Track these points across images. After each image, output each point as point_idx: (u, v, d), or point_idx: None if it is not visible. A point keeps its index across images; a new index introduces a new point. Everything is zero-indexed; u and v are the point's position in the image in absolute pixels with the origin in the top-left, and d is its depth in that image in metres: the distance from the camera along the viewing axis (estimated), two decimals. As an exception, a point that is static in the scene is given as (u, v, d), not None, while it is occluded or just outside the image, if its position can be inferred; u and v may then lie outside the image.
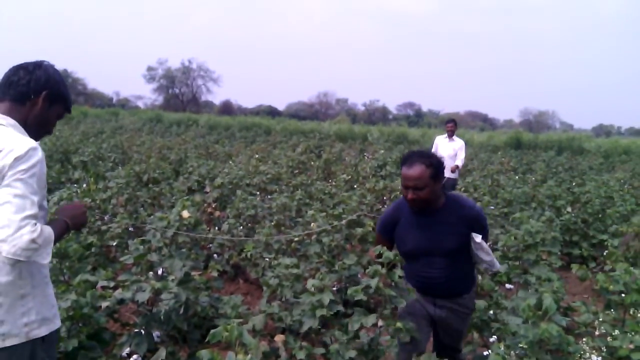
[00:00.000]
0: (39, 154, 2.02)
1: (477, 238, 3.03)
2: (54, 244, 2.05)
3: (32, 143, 2.02)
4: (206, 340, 2.39)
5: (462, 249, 3.10)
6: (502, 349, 3.08)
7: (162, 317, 3.59)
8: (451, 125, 9.28)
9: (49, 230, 2.00)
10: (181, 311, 3.68)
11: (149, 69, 67.38)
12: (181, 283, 3.67)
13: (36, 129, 2.19)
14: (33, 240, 1.88)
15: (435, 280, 3.15)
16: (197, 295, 3.63)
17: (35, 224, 1.92)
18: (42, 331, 2.11)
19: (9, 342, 2.02)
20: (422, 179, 2.95)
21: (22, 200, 1.91)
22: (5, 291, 1.99)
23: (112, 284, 3.60)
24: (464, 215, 3.09)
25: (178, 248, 3.91)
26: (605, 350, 3.27)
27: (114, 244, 5.58)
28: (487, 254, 3.10)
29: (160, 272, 4.28)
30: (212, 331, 2.24)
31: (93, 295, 3.27)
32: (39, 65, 2.18)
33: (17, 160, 1.93)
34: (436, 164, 3.03)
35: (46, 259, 2.00)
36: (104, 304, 3.37)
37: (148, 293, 3.39)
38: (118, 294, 3.42)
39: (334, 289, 4.96)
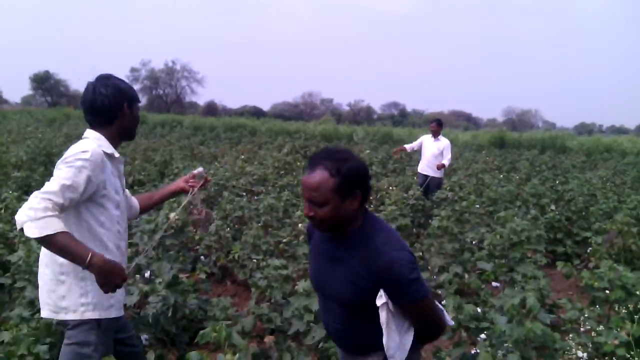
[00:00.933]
0: (87, 155, 2.30)
1: (380, 300, 1.99)
2: (62, 253, 2.19)
3: (85, 147, 2.33)
4: (195, 341, 2.39)
5: (365, 304, 2.04)
6: (489, 348, 3.12)
7: (150, 320, 3.57)
8: (434, 125, 9.28)
9: (59, 224, 2.13)
10: (169, 314, 3.67)
11: (132, 70, 66.79)
12: (169, 286, 3.65)
13: (128, 134, 2.59)
14: (31, 207, 2.10)
15: (330, 330, 2.29)
16: (186, 297, 3.62)
17: (49, 200, 2.14)
18: (96, 314, 2.40)
19: (68, 317, 2.39)
20: (321, 190, 1.97)
21: (52, 181, 2.21)
22: (68, 271, 2.35)
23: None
24: (368, 261, 1.99)
25: (166, 250, 3.90)
26: (590, 346, 3.31)
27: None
28: (387, 332, 2.02)
29: (147, 275, 4.26)
30: (201, 332, 2.25)
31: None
32: (106, 85, 2.48)
33: (59, 161, 2.30)
34: (346, 173, 1.97)
35: (29, 232, 2.08)
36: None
37: (136, 296, 3.38)
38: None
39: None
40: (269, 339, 3.15)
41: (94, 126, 2.49)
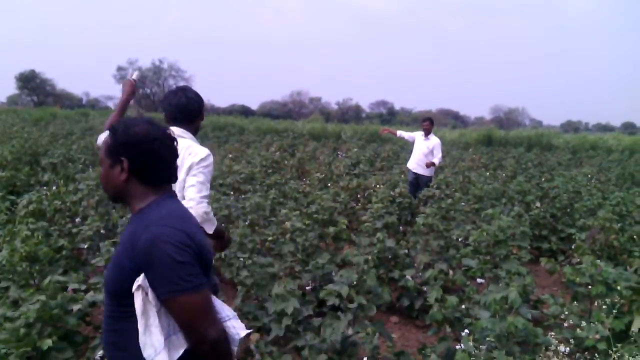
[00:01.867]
0: (212, 158, 3.06)
1: (136, 284, 1.66)
2: (219, 236, 3.12)
3: (208, 150, 3.04)
4: None
5: (129, 295, 1.69)
6: (472, 343, 3.15)
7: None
8: (427, 124, 9.30)
9: (213, 216, 2.99)
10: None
11: (119, 68, 66.20)
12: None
13: (198, 130, 3.25)
14: (205, 212, 2.90)
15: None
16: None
17: (208, 203, 2.95)
18: None
19: None
20: (101, 150, 1.86)
21: (202, 185, 2.94)
22: None
23: (83, 287, 3.55)
24: (134, 236, 1.71)
25: None
26: (572, 341, 3.36)
27: (85, 246, 5.50)
28: (144, 325, 1.67)
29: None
30: None
31: (64, 297, 3.22)
32: (192, 92, 3.19)
33: (201, 160, 2.99)
34: (118, 136, 1.79)
35: (210, 230, 2.96)
36: (76, 307, 3.33)
37: None
38: (90, 296, 3.39)
39: (308, 287, 4.99)
40: (254, 337, 3.16)
41: (179, 124, 3.14)
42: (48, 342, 3.01)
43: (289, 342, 3.59)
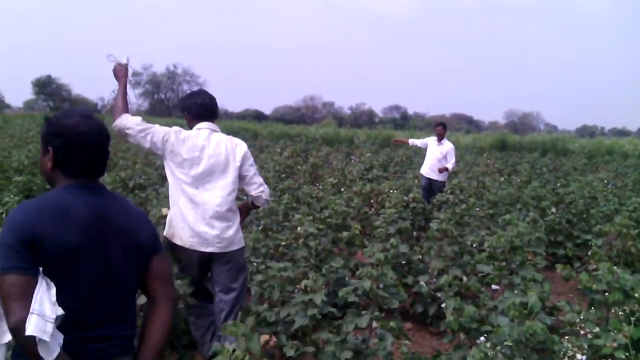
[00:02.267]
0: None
1: None
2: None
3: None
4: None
5: None
6: (490, 349, 3.12)
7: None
8: (440, 128, 9.24)
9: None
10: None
11: (134, 74, 64.73)
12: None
13: None
14: (269, 195, 3.77)
15: None
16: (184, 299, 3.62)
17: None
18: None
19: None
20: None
21: (257, 174, 3.65)
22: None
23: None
24: None
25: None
26: (588, 348, 3.31)
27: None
28: None
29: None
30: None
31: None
32: (209, 92, 3.79)
33: (247, 152, 3.62)
34: (53, 125, 1.87)
35: (264, 205, 3.87)
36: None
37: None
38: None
39: (324, 290, 4.99)
40: (263, 338, 3.16)
41: (205, 120, 3.61)
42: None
43: (305, 341, 3.59)
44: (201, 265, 3.53)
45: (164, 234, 3.48)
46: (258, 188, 3.55)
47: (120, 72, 3.70)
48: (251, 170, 3.55)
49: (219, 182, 3.45)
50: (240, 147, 3.55)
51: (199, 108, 3.60)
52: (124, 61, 3.69)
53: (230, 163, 3.48)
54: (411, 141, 9.94)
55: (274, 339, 3.47)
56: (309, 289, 3.28)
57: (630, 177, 14.03)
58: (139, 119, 3.51)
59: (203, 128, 3.55)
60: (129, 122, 3.45)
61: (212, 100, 3.66)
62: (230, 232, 3.47)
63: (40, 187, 8.99)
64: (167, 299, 1.96)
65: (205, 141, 3.48)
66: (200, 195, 3.40)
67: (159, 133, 3.44)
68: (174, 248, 3.48)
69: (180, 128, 3.56)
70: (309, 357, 3.31)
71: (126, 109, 3.57)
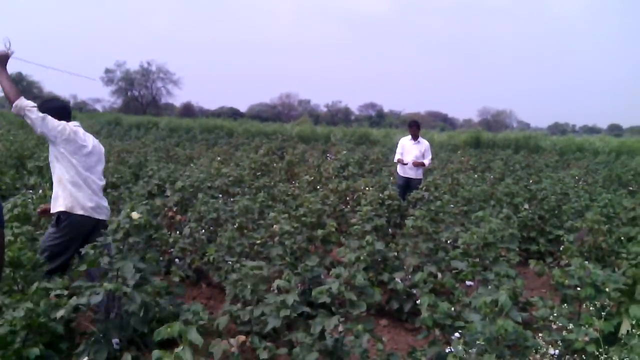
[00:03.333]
0: None
1: None
2: None
3: None
4: (153, 339, 2.35)
5: None
6: (461, 346, 3.13)
7: (121, 323, 3.51)
8: (414, 128, 9.28)
9: None
10: (141, 314, 3.61)
11: (107, 71, 65.88)
12: (137, 286, 3.60)
13: None
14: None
15: None
16: (156, 297, 3.56)
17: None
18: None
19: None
20: None
21: None
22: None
23: (66, 293, 3.49)
24: None
25: (129, 250, 3.83)
26: (561, 343, 3.35)
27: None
28: None
29: (116, 275, 4.18)
30: (156, 330, 2.21)
31: (48, 303, 3.17)
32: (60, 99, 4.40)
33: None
34: None
35: None
36: (59, 313, 3.28)
37: (102, 295, 3.32)
38: (73, 301, 3.33)
39: (297, 290, 4.95)
40: (240, 339, 3.12)
41: (70, 120, 4.33)
42: (35, 351, 2.95)
43: (279, 342, 3.55)
44: (85, 235, 4.29)
45: (63, 208, 4.16)
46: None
47: (4, 57, 4.10)
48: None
49: (99, 167, 4.50)
50: (100, 143, 4.64)
51: (60, 110, 4.30)
52: (5, 45, 4.08)
53: (102, 153, 4.61)
54: (398, 158, 9.56)
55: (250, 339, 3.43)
56: (282, 289, 3.25)
57: (600, 173, 14.30)
58: (33, 102, 4.17)
59: (77, 126, 4.37)
60: (29, 104, 4.10)
61: (67, 104, 4.63)
62: (107, 204, 4.56)
63: (9, 186, 8.79)
64: None
65: (85, 135, 4.40)
66: (91, 176, 4.33)
67: (53, 121, 4.13)
68: (67, 223, 4.18)
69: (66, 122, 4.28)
70: (283, 357, 3.28)
71: (19, 91, 4.16)
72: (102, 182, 4.54)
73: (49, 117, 4.11)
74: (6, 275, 3.46)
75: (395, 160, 9.55)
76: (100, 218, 4.35)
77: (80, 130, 4.38)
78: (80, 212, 4.20)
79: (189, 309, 3.05)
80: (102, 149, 4.66)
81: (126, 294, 3.41)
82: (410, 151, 9.18)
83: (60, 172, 4.25)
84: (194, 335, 2.36)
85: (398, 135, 10.25)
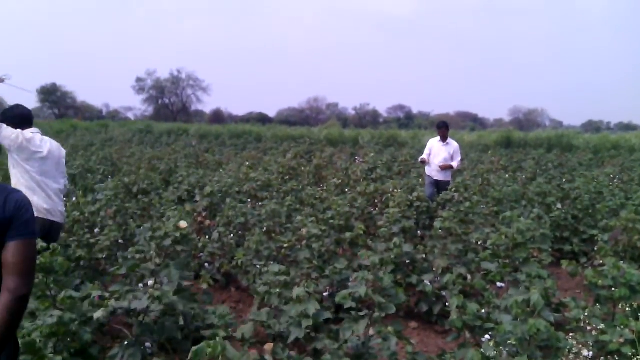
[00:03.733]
0: None
1: None
2: None
3: None
4: (189, 358, 2.34)
5: None
6: (494, 347, 3.08)
7: (155, 327, 3.57)
8: (443, 129, 9.19)
9: None
10: (179, 321, 3.66)
11: (138, 80, 67.17)
12: (177, 292, 3.65)
13: None
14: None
15: None
16: (192, 304, 3.62)
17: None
18: None
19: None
20: None
21: None
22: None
23: (107, 294, 3.58)
24: None
25: (171, 258, 3.90)
26: (594, 345, 3.27)
27: (103, 256, 5.53)
28: None
29: (150, 283, 4.26)
30: (194, 348, 2.21)
31: (78, 310, 3.23)
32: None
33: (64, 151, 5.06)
34: None
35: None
36: (97, 315, 3.36)
37: (146, 301, 3.38)
38: (113, 303, 3.41)
39: (326, 294, 4.95)
40: (268, 347, 3.13)
41: (31, 126, 4.63)
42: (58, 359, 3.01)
43: (305, 347, 3.55)
44: (41, 237, 4.22)
45: None
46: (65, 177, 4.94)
47: None
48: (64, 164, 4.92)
49: (55, 172, 4.71)
50: (61, 147, 4.89)
51: (19, 118, 4.54)
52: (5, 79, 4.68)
53: (61, 157, 4.85)
54: (421, 158, 9.52)
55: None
56: (301, 298, 3.24)
57: (636, 171, 13.90)
58: None
59: (35, 132, 4.60)
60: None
61: (28, 111, 4.70)
62: (63, 208, 4.81)
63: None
64: (7, 291, 1.93)
65: (42, 142, 4.61)
66: (45, 180, 4.56)
67: (7, 130, 4.35)
68: None
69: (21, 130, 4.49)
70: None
71: None
72: (59, 186, 4.74)
73: (4, 127, 4.34)
74: (39, 281, 3.54)
75: (419, 160, 9.51)
76: (55, 220, 4.61)
77: (37, 137, 4.59)
78: (34, 214, 4.42)
79: (214, 312, 3.07)
80: (62, 152, 4.89)
81: (168, 303, 3.46)
82: (439, 153, 9.08)
83: (16, 178, 4.51)
84: (232, 353, 2.36)
85: (427, 136, 10.13)
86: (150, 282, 4.24)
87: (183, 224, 4.08)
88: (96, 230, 6.47)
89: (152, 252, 4.23)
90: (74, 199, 7.69)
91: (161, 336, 3.70)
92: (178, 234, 4.12)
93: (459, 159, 9.10)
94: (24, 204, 2.08)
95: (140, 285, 4.23)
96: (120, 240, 5.88)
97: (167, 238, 4.15)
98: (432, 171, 9.12)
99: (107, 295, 3.68)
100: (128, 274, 4.18)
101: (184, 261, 4.13)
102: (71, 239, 5.77)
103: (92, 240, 5.71)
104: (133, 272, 4.07)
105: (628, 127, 66.29)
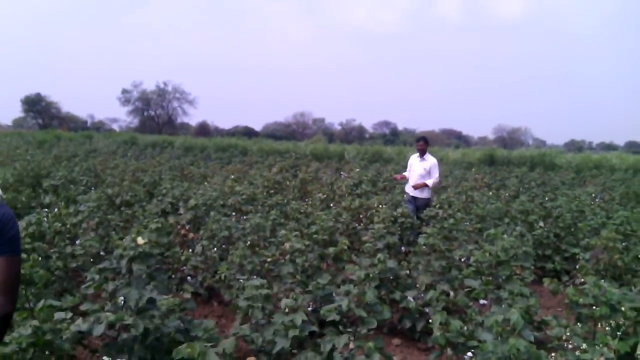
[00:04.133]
0: None
1: None
2: None
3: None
4: (173, 357, 2.34)
5: None
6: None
7: (123, 347, 3.51)
8: (421, 143, 8.86)
9: None
10: (148, 341, 3.59)
11: (124, 91, 66.98)
12: (140, 312, 3.57)
13: None
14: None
15: None
16: (163, 321, 3.55)
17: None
18: None
19: None
20: None
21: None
22: None
23: (69, 315, 3.49)
24: None
25: (134, 276, 3.77)
26: (575, 363, 3.28)
27: (78, 264, 5.45)
28: None
29: (123, 300, 4.17)
30: (176, 348, 2.21)
31: (55, 322, 3.18)
32: None
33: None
34: None
35: None
36: (65, 335, 3.30)
37: (104, 326, 3.31)
38: (75, 326, 3.34)
39: (310, 309, 4.92)
40: (250, 361, 3.10)
41: None
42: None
43: (289, 359, 3.52)
44: None
45: None
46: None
47: None
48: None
49: None
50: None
51: None
52: None
53: None
54: (402, 175, 9.44)
55: None
56: (288, 309, 3.22)
57: (617, 190, 14.10)
58: None
59: None
60: None
61: None
62: None
63: (25, 205, 8.90)
64: None
65: None
66: None
67: None
68: None
69: None
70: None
71: None
72: None
73: None
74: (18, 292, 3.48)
75: (392, 177, 9.53)
76: None
77: None
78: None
79: (200, 324, 3.04)
80: None
81: (130, 323, 3.39)
82: (416, 169, 8.87)
83: None
84: (213, 357, 2.34)
85: (411, 152, 10.16)
86: (120, 299, 4.13)
87: (140, 240, 3.81)
88: (77, 242, 6.39)
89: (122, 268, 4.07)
90: (56, 209, 7.59)
91: (131, 355, 3.62)
92: (136, 252, 3.91)
93: (436, 175, 8.79)
94: (9, 220, 1.99)
95: (110, 303, 4.14)
96: (101, 252, 5.81)
97: (123, 258, 3.89)
98: (409, 187, 8.98)
99: (69, 316, 3.59)
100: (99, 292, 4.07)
101: (146, 280, 4.00)
102: (52, 250, 5.68)
103: (69, 251, 5.62)
104: (99, 289, 3.94)
105: (609, 147, 67.33)
